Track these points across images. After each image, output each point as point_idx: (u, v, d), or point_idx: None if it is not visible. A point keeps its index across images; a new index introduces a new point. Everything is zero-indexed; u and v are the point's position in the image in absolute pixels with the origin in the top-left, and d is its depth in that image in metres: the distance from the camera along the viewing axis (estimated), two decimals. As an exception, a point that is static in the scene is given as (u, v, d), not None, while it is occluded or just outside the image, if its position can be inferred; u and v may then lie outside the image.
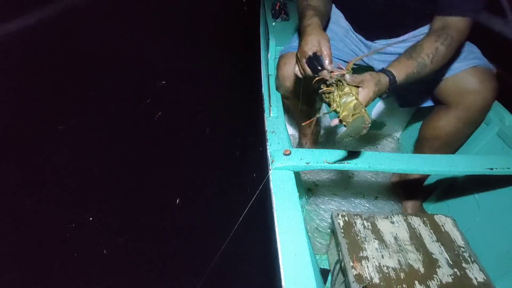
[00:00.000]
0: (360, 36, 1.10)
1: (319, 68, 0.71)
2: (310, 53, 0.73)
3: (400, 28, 1.03)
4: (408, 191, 1.23)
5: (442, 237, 0.89)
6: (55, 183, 1.39)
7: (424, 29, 0.99)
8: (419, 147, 1.14)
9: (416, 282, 0.77)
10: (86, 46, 2.32)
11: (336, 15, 1.11)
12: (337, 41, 1.09)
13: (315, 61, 0.72)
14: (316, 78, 0.71)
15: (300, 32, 0.86)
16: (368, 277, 0.77)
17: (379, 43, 1.08)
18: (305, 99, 1.16)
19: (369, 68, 1.18)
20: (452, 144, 1.06)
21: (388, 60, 1.08)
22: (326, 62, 0.72)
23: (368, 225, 0.90)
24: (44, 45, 2.26)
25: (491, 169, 0.82)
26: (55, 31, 2.43)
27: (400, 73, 0.77)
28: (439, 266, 0.81)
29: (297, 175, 0.78)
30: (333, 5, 1.09)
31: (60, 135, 1.62)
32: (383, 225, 0.91)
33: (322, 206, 1.22)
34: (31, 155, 1.51)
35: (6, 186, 1.36)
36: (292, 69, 1.03)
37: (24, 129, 1.64)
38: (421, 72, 0.81)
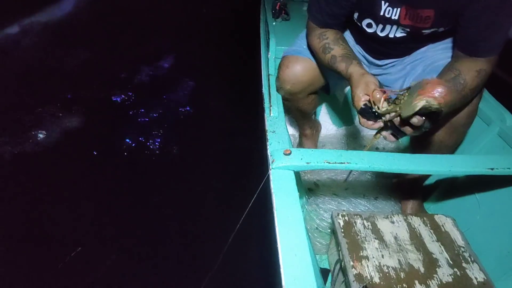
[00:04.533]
0: (363, 51, 1.11)
1: (372, 117, 0.75)
2: (362, 106, 0.75)
3: (403, 52, 1.05)
4: (408, 191, 1.23)
5: (442, 237, 0.89)
6: (58, 186, 1.39)
7: (425, 47, 1.01)
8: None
9: (416, 282, 0.77)
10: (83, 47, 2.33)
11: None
12: None
13: (367, 112, 0.75)
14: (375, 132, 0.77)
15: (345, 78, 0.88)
16: (368, 277, 0.77)
17: (381, 62, 1.10)
18: (306, 101, 1.16)
19: None
20: (440, 152, 1.02)
21: (386, 71, 1.10)
22: (380, 104, 0.73)
23: (368, 225, 0.90)
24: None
25: (492, 169, 0.81)
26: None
27: (446, 104, 0.76)
28: (439, 266, 0.81)
29: (297, 175, 0.78)
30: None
31: (62, 136, 1.63)
32: (383, 225, 0.91)
33: (322, 206, 1.22)
34: (32, 153, 1.51)
35: (8, 186, 1.37)
36: (293, 73, 1.04)
37: (28, 124, 1.64)
38: (462, 103, 0.85)
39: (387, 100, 0.72)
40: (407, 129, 0.70)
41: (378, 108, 0.72)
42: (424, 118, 0.66)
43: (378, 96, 0.72)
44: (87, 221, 1.26)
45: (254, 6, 1.90)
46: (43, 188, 1.36)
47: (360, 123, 0.78)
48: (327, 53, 0.92)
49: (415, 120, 0.65)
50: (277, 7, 1.57)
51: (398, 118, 0.69)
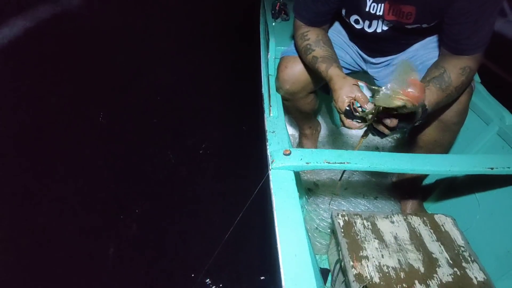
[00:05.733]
0: (358, 49, 1.12)
1: (357, 119, 0.77)
2: (346, 107, 0.77)
3: (396, 49, 1.05)
4: (408, 190, 1.23)
5: (442, 237, 0.89)
6: (59, 186, 1.39)
7: (416, 45, 1.02)
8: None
9: (416, 282, 0.77)
10: (86, 47, 2.33)
11: (337, 25, 1.13)
12: (338, 49, 1.11)
13: (351, 113, 0.77)
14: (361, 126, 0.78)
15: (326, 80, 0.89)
16: (368, 277, 0.77)
17: (376, 60, 1.10)
18: (305, 101, 1.16)
19: (365, 74, 1.19)
20: (435, 151, 1.03)
21: (381, 71, 1.10)
22: (366, 106, 0.75)
23: (368, 225, 0.90)
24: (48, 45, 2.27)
25: (491, 168, 0.81)
26: (57, 30, 2.44)
27: (431, 102, 0.78)
28: (439, 266, 0.81)
29: (297, 175, 0.78)
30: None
31: (64, 136, 1.62)
32: (383, 224, 0.91)
33: (322, 206, 1.22)
34: (36, 157, 1.51)
35: (12, 186, 1.37)
36: (292, 72, 1.05)
37: (32, 129, 1.64)
38: (447, 102, 0.85)
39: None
40: (384, 130, 0.72)
41: (362, 111, 0.75)
42: (397, 120, 0.69)
43: (362, 99, 0.75)
44: (86, 217, 1.27)
45: (254, 6, 1.90)
46: (43, 186, 1.36)
47: (344, 125, 0.79)
48: (309, 53, 0.94)
49: (388, 121, 0.68)
50: (277, 8, 1.57)
51: (375, 119, 0.71)
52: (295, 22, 1.01)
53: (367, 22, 0.94)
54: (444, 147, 1.04)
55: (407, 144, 1.14)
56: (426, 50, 0.99)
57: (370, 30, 0.96)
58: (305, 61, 0.97)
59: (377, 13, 0.89)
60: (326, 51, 0.92)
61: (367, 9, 0.89)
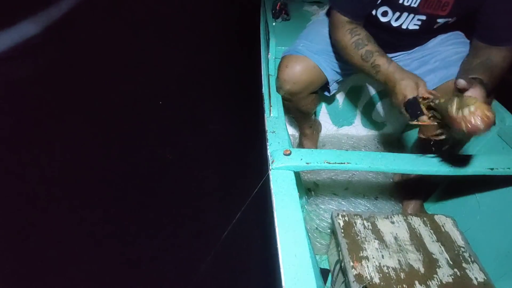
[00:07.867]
0: None
1: (418, 113, 0.73)
2: (410, 97, 0.75)
3: (412, 45, 1.05)
4: (408, 191, 1.23)
5: (442, 237, 0.89)
6: (50, 182, 1.39)
7: (433, 42, 1.01)
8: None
9: (416, 282, 0.77)
10: (84, 47, 2.32)
11: None
12: None
13: (413, 106, 0.73)
14: (414, 122, 0.73)
15: (384, 79, 0.85)
16: (368, 277, 0.77)
17: (388, 55, 1.09)
18: (306, 101, 1.16)
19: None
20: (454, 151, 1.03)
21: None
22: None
23: (368, 225, 0.90)
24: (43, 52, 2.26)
25: (492, 169, 0.81)
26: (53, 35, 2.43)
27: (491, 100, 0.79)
28: (439, 266, 0.81)
29: (297, 175, 0.78)
30: None
31: (56, 134, 1.62)
32: (383, 225, 0.91)
33: (322, 206, 1.22)
34: (26, 155, 1.50)
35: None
36: (293, 72, 1.04)
37: (21, 130, 1.64)
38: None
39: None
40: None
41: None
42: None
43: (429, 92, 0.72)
44: (83, 215, 1.27)
45: (254, 6, 1.90)
46: (40, 183, 1.36)
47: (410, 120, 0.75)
48: (361, 48, 0.89)
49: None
50: (277, 7, 1.57)
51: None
52: (337, 19, 0.94)
53: (396, 14, 0.91)
54: (458, 148, 1.03)
55: (417, 143, 1.13)
56: (446, 47, 0.98)
57: (395, 24, 0.93)
58: (354, 56, 0.91)
59: (412, 5, 0.87)
60: (378, 46, 0.89)
61: (400, 1, 0.87)
